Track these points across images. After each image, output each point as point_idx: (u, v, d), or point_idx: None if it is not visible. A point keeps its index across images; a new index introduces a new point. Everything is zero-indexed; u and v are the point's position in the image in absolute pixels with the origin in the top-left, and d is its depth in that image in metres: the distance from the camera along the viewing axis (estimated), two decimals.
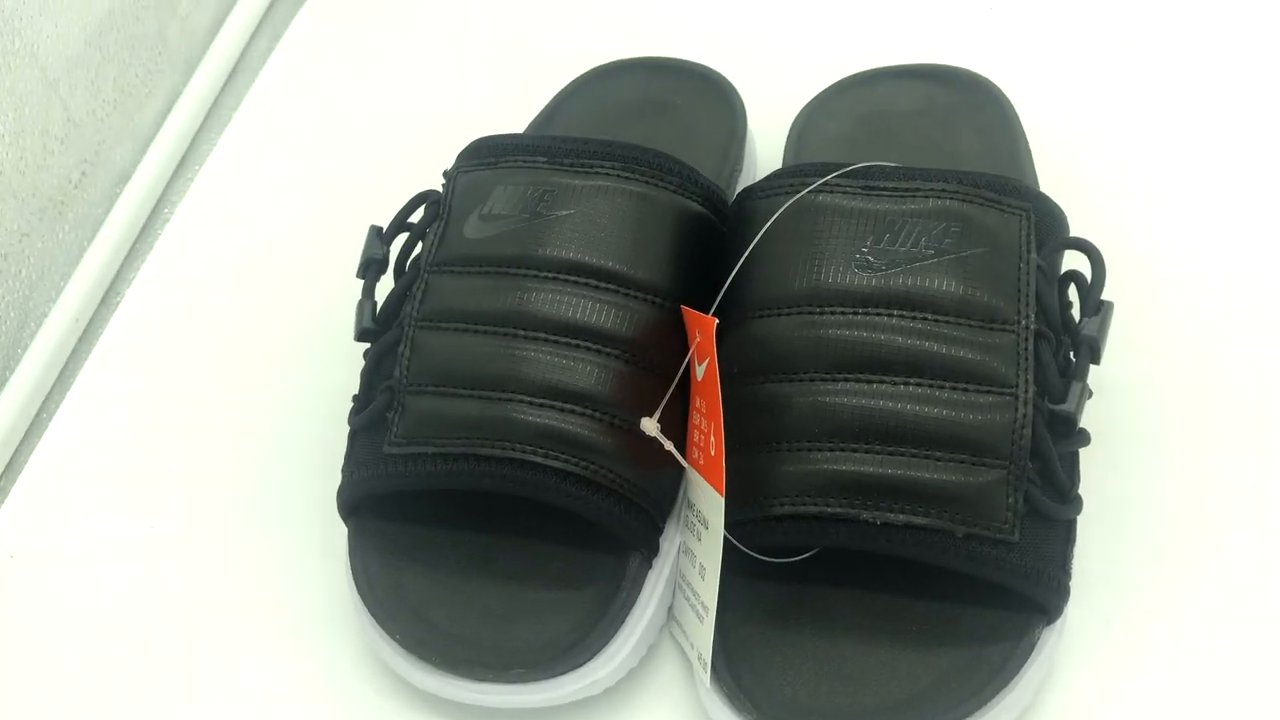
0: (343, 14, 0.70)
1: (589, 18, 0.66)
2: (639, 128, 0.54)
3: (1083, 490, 0.38)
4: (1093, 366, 0.38)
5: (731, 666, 0.36)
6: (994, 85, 0.52)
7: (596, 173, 0.41)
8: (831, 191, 0.39)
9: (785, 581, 0.38)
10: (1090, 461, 0.41)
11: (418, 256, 0.43)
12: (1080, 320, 0.38)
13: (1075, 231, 0.41)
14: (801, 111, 0.53)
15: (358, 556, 0.40)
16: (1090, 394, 0.38)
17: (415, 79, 0.65)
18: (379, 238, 0.44)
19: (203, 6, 0.69)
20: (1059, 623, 0.37)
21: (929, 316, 0.37)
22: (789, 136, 0.52)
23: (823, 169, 0.39)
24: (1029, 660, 0.36)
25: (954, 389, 0.36)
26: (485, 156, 0.43)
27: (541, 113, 0.55)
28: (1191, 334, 0.47)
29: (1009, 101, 0.51)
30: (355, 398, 0.42)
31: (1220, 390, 0.45)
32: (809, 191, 0.39)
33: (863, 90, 0.54)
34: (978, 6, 0.63)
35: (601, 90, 0.56)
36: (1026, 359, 0.36)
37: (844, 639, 0.37)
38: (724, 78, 0.55)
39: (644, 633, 0.39)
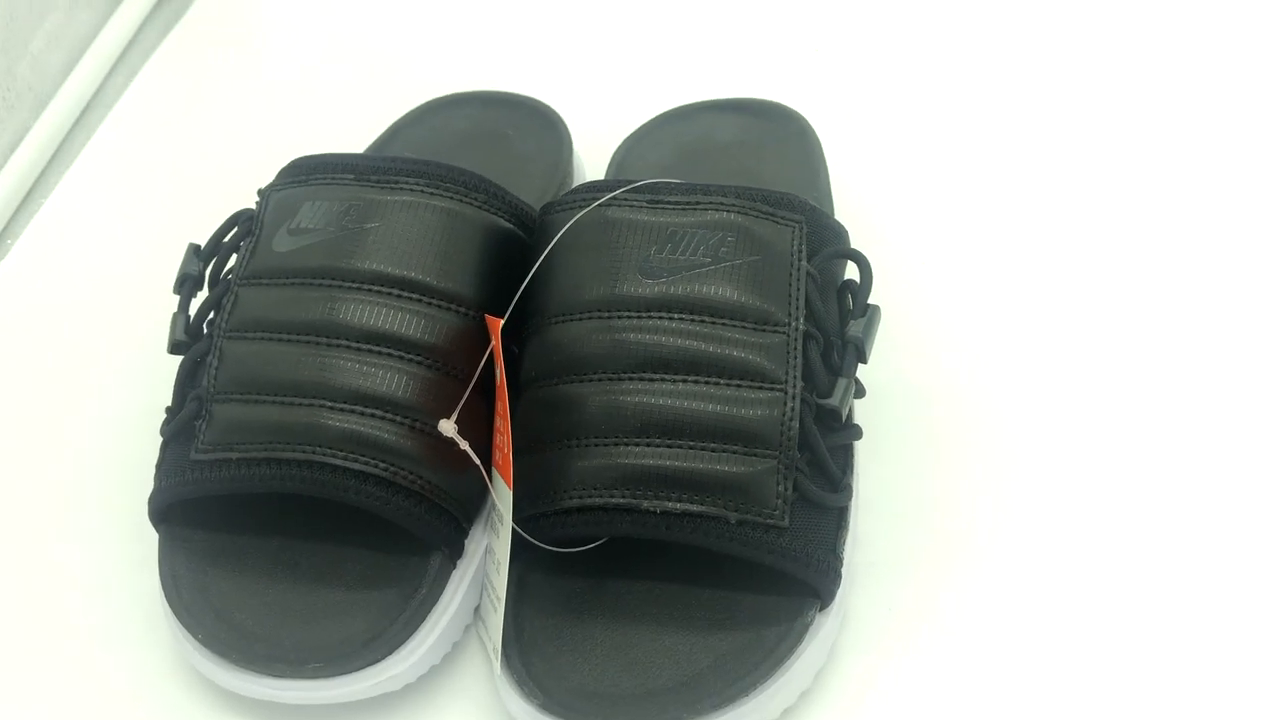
0: (196, 55, 0.71)
1: (430, 54, 0.69)
2: (471, 156, 0.56)
3: (870, 484, 0.40)
4: (877, 372, 0.41)
5: (524, 655, 0.38)
6: (803, 119, 0.56)
7: (402, 188, 0.43)
8: (620, 205, 0.41)
9: (580, 575, 0.40)
10: (872, 455, 0.43)
11: (229, 271, 0.44)
12: (848, 323, 0.41)
13: (860, 246, 0.44)
14: (624, 141, 0.56)
15: (166, 562, 0.41)
16: (862, 392, 0.40)
17: (264, 113, 0.66)
18: (196, 255, 0.45)
19: (56, 45, 0.70)
20: (836, 607, 0.39)
21: (705, 319, 0.39)
22: (610, 164, 0.55)
23: (615, 185, 0.42)
24: (803, 642, 0.38)
25: (728, 385, 0.38)
26: (297, 174, 0.45)
27: (376, 141, 0.57)
28: (960, 340, 0.51)
29: (815, 133, 0.55)
30: (168, 409, 0.43)
31: (991, 391, 0.48)
32: (599, 205, 0.41)
33: (684, 122, 0.57)
34: (803, 48, 0.67)
35: (436, 121, 0.58)
36: (796, 358, 0.39)
37: (632, 626, 0.38)
38: (553, 110, 0.57)
39: (445, 630, 0.40)
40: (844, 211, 0.51)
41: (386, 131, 0.58)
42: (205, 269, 0.45)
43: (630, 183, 0.41)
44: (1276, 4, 0.66)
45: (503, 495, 0.39)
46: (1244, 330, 0.50)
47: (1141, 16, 0.66)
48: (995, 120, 0.62)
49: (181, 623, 0.39)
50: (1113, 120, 0.61)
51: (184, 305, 0.44)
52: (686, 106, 0.57)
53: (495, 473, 0.40)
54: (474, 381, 0.41)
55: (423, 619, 0.39)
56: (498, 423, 0.41)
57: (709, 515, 0.37)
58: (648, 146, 0.56)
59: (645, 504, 0.37)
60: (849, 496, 0.40)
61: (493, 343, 0.40)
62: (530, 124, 0.57)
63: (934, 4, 0.69)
